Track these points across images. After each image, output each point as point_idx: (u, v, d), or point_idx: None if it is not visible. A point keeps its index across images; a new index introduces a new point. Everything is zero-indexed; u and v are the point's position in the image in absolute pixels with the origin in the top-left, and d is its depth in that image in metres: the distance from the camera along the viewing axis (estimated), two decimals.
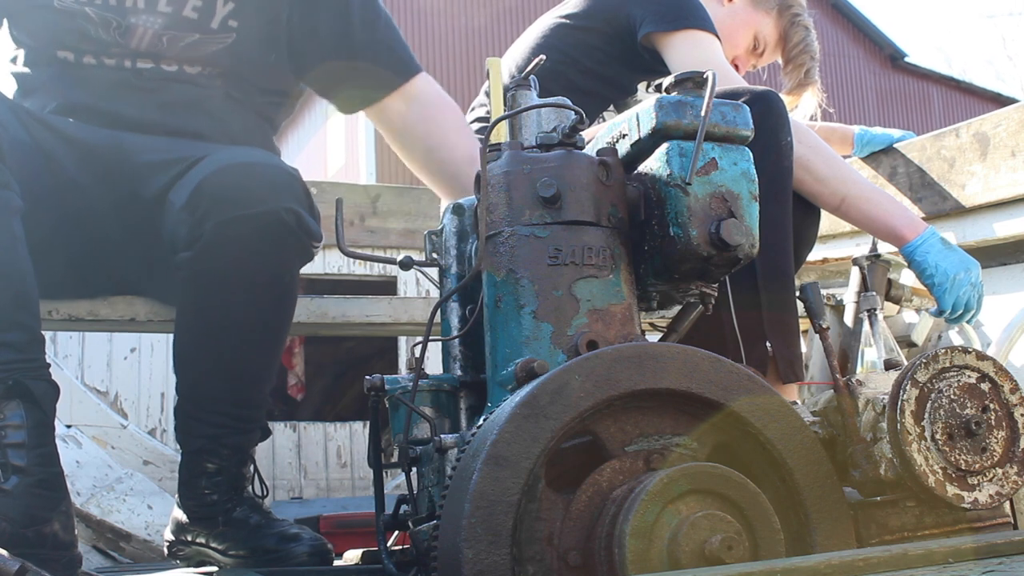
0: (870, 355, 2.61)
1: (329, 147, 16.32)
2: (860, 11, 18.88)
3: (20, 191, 1.78)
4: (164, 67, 2.05)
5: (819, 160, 2.12)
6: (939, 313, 2.13)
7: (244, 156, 1.91)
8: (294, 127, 17.05)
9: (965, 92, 19.31)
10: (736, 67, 2.61)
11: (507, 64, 2.47)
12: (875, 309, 2.65)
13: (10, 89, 2.09)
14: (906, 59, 19.20)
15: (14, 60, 2.12)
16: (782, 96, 2.36)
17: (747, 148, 1.42)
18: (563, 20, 2.42)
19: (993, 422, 1.26)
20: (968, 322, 2.22)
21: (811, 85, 2.66)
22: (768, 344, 1.92)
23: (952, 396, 1.26)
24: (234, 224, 1.81)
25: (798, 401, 1.75)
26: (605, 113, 2.39)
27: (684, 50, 2.25)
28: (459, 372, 1.60)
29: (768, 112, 1.93)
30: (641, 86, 2.41)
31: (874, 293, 2.67)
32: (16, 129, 1.87)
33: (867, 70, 18.60)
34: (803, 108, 2.69)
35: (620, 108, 2.37)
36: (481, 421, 1.26)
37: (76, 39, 2.02)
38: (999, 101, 17.56)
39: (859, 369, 2.63)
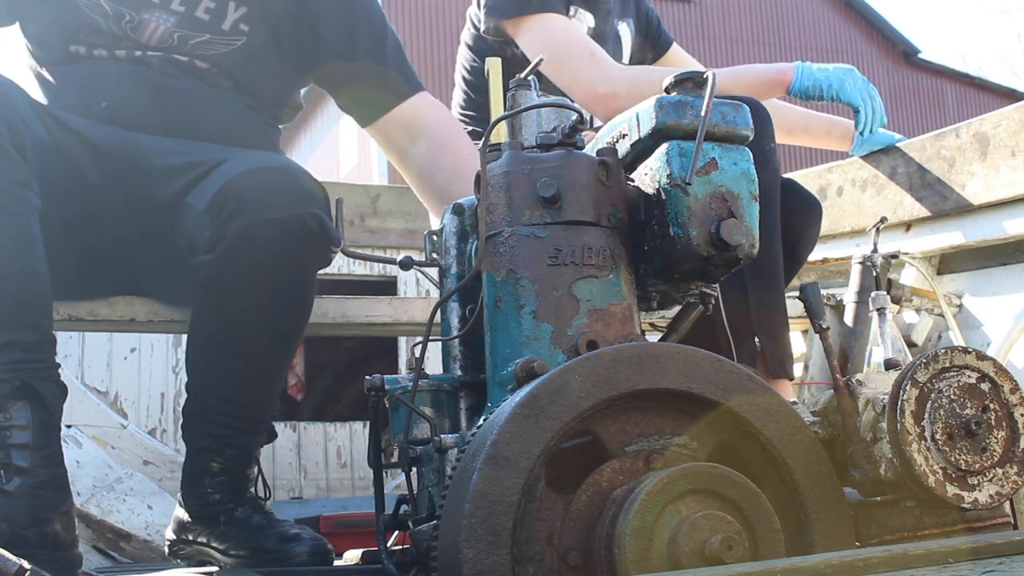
0: (878, 355, 2.61)
1: (341, 148, 16.32)
2: (873, 7, 18.76)
3: (39, 190, 1.79)
4: (175, 56, 2.05)
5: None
6: (856, 116, 2.41)
7: (266, 161, 1.93)
8: (306, 128, 17.02)
9: (979, 88, 19.17)
10: None
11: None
12: (885, 308, 2.65)
13: (27, 88, 2.09)
14: (920, 55, 19.08)
15: (28, 57, 2.12)
16: None
17: (747, 148, 1.42)
18: (465, 40, 2.52)
19: (993, 422, 1.26)
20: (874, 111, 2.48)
21: None
22: (757, 340, 1.92)
23: (952, 396, 1.26)
24: (258, 227, 1.81)
25: (796, 399, 1.75)
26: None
27: (532, 36, 2.27)
28: (459, 372, 1.60)
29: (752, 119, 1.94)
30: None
31: (883, 292, 2.67)
32: (38, 128, 1.88)
33: (880, 67, 18.49)
34: None
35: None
36: (481, 421, 1.26)
37: (88, 33, 2.03)
38: (1014, 97, 17.44)
39: (867, 368, 2.62)
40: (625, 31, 2.66)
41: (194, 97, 2.07)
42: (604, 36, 2.53)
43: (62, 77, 2.06)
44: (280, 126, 2.31)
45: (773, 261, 1.99)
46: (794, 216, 2.06)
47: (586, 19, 2.48)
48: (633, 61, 2.79)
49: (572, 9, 2.46)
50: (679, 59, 2.80)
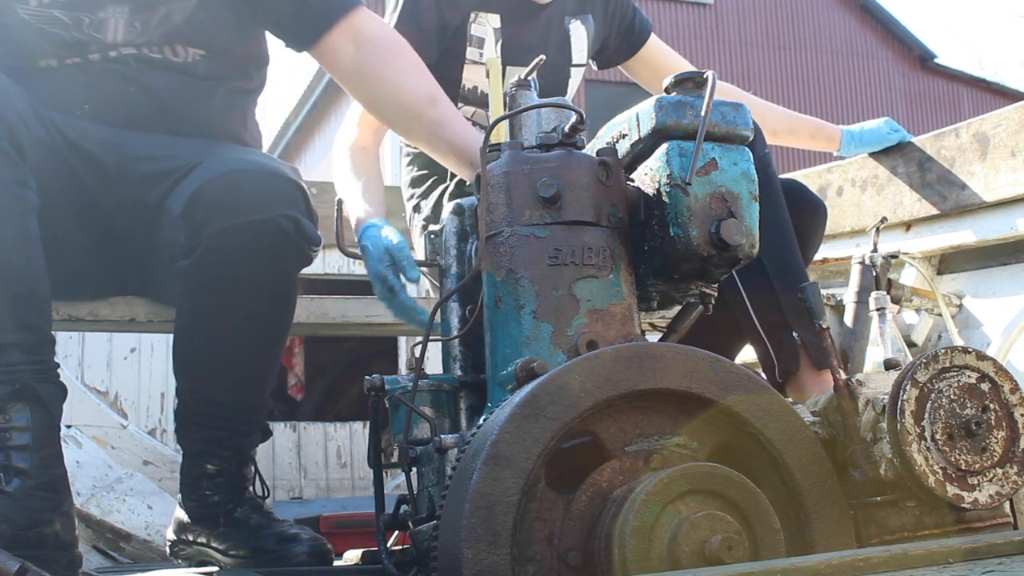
0: (878, 355, 2.61)
1: None
2: (889, 11, 18.59)
3: (37, 189, 1.78)
4: (148, 53, 2.02)
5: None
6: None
7: (240, 162, 1.89)
8: (320, 129, 16.88)
9: (996, 94, 18.92)
10: None
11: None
12: (885, 308, 2.65)
13: None
14: (936, 60, 18.97)
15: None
16: None
17: (747, 148, 1.42)
18: None
19: (993, 422, 1.26)
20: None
21: None
22: (796, 335, 1.93)
23: (952, 396, 1.26)
24: (232, 232, 1.79)
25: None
26: None
27: None
28: (459, 372, 1.60)
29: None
30: None
31: (883, 292, 2.67)
32: (37, 128, 1.87)
33: (896, 71, 18.38)
34: None
35: None
36: (481, 421, 1.26)
37: (54, 47, 2.00)
38: None
39: (867, 368, 2.63)
40: (579, 28, 2.61)
41: (173, 91, 2.03)
42: (522, 34, 2.50)
43: (39, 84, 2.03)
44: (256, 98, 2.25)
45: (793, 259, 1.99)
46: (801, 218, 2.06)
47: (489, 21, 2.46)
48: (598, 56, 2.73)
49: (472, 15, 2.42)
50: (655, 53, 2.75)
